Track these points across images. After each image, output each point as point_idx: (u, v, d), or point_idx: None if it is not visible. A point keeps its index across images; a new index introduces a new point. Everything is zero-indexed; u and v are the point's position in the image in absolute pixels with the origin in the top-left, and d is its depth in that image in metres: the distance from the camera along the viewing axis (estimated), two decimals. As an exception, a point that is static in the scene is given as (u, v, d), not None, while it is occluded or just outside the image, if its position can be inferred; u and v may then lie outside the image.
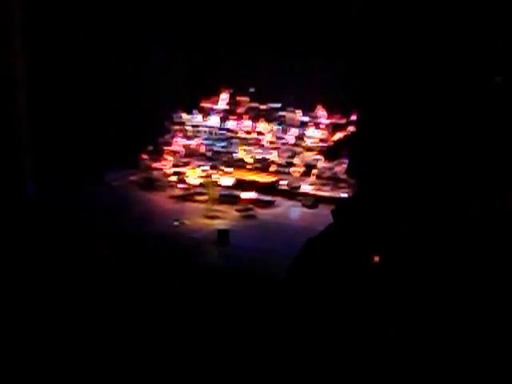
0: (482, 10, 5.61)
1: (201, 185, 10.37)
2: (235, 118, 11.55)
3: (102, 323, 5.82)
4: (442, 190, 5.46)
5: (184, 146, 11.43)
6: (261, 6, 9.82)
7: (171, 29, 10.78)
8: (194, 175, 10.62)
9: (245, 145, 11.25)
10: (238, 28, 10.29)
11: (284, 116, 11.31)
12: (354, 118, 10.02)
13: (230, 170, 10.73)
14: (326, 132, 10.94)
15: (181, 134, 11.59)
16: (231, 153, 11.21)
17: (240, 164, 11.02)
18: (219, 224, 8.97)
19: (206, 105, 11.74)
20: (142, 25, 10.57)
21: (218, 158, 11.15)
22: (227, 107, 11.65)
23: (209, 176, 10.34)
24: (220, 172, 10.63)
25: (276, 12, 9.81)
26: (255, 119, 11.43)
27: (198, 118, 11.69)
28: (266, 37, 10.10)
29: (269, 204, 9.99)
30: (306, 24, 9.73)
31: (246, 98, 11.51)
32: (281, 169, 10.81)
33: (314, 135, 10.96)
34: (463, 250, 5.08)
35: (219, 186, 10.16)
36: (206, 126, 11.60)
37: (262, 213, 9.64)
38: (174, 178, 10.76)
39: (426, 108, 5.86)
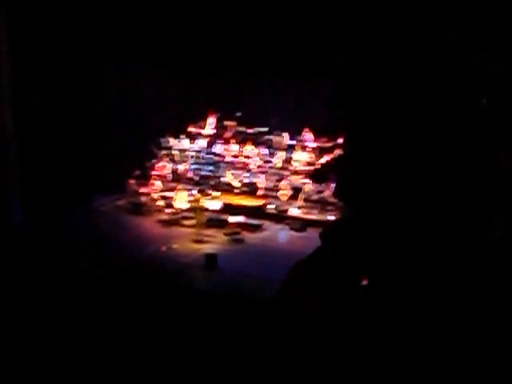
0: (466, 39, 5.69)
1: (188, 209, 10.34)
2: (222, 142, 11.54)
3: (89, 347, 5.76)
4: (430, 211, 5.48)
5: (171, 171, 11.40)
6: (247, 30, 9.87)
7: (158, 54, 10.81)
8: (181, 199, 10.59)
9: (232, 169, 11.23)
10: (224, 52, 10.34)
11: (271, 140, 11.31)
12: (340, 140, 10.04)
13: (218, 194, 10.70)
14: (313, 155, 10.94)
15: (168, 159, 11.56)
16: (219, 177, 11.19)
17: (227, 188, 11.00)
18: (207, 248, 8.94)
19: (193, 129, 11.73)
20: (128, 51, 10.59)
21: (206, 182, 11.12)
22: (214, 131, 11.65)
23: (196, 200, 10.31)
24: (207, 196, 10.60)
25: (262, 36, 9.86)
26: (242, 143, 11.43)
27: (185, 142, 11.67)
28: (252, 60, 10.15)
29: (256, 228, 9.97)
30: (292, 47, 9.78)
31: (233, 123, 11.52)
32: (268, 192, 10.79)
33: (301, 158, 10.97)
34: (451, 272, 5.08)
35: (207, 210, 10.13)
36: (194, 151, 11.59)
37: (249, 236, 9.62)
38: (161, 203, 10.73)
39: (412, 131, 5.90)
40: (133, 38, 10.47)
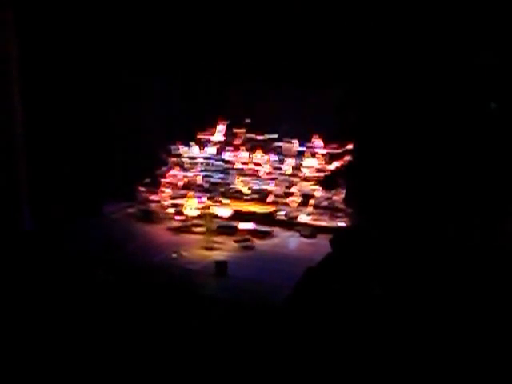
0: (476, 45, 5.70)
1: (198, 216, 10.37)
2: (232, 149, 11.56)
3: (100, 350, 5.78)
4: (439, 217, 5.49)
5: (181, 178, 11.42)
6: (258, 37, 9.90)
7: (168, 63, 10.87)
8: (191, 207, 10.62)
9: (242, 176, 11.24)
10: (234, 60, 10.37)
11: (281, 146, 11.32)
12: (350, 147, 10.05)
13: (228, 201, 10.71)
14: (322, 162, 10.93)
15: (178, 166, 11.60)
16: (228, 184, 11.20)
17: (237, 195, 11.01)
18: (217, 255, 8.96)
19: (202, 136, 11.76)
20: (139, 61, 10.66)
21: (216, 190, 11.14)
22: (224, 139, 11.67)
23: (207, 207, 10.32)
24: (217, 203, 10.61)
25: (272, 43, 9.89)
26: (252, 150, 11.44)
27: (195, 149, 11.70)
28: (262, 68, 10.18)
29: (266, 234, 9.98)
30: (303, 55, 9.80)
31: (243, 130, 11.53)
32: (278, 199, 10.80)
33: (310, 165, 10.96)
34: (457, 276, 5.10)
35: (217, 217, 10.15)
36: (203, 158, 11.61)
37: (259, 243, 9.63)
38: (171, 210, 10.76)
39: (421, 137, 5.90)
40: (145, 47, 10.55)
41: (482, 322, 4.83)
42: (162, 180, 11.39)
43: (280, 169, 11.18)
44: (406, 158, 5.80)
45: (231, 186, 11.17)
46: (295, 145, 11.23)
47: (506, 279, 5.07)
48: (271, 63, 10.06)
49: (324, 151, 10.98)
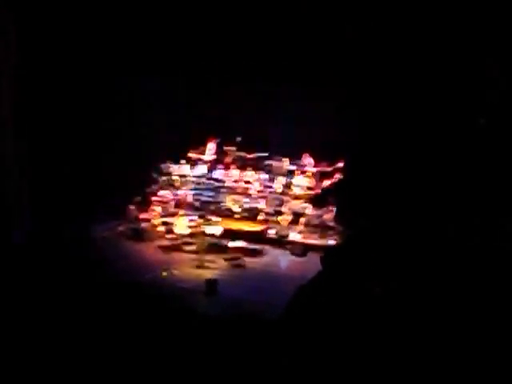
0: (471, 58, 5.75)
1: (189, 235, 10.34)
2: (223, 167, 11.57)
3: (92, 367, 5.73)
4: (428, 235, 5.50)
5: (172, 197, 11.40)
6: (249, 49, 9.96)
7: (161, 79, 10.92)
8: (181, 225, 10.59)
9: (232, 194, 11.24)
10: (223, 74, 10.43)
11: (271, 165, 11.34)
12: (340, 165, 10.08)
13: (218, 219, 10.68)
14: (313, 180, 10.96)
15: (168, 185, 11.58)
16: (219, 202, 11.19)
17: (228, 213, 11.00)
18: (207, 273, 8.92)
19: (193, 155, 11.76)
20: (131, 76, 10.69)
21: (206, 208, 11.12)
22: (214, 157, 11.68)
23: (198, 226, 10.29)
24: (208, 222, 10.58)
25: (266, 53, 9.95)
26: (242, 168, 11.46)
27: (185, 168, 11.69)
28: (253, 81, 10.24)
29: (257, 253, 9.96)
30: (294, 69, 9.87)
31: (233, 148, 11.55)
32: (269, 217, 10.79)
33: (301, 183, 10.98)
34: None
35: (207, 235, 10.12)
36: (194, 176, 11.61)
37: (250, 261, 9.61)
38: (161, 229, 10.73)
39: (412, 153, 5.92)
40: (140, 59, 10.58)
41: (482, 322, 4.84)
42: (153, 198, 11.37)
43: (270, 187, 11.20)
44: (402, 175, 5.82)
45: (222, 204, 11.16)
46: (285, 163, 11.26)
47: (506, 279, 5.08)
48: (264, 78, 10.12)
49: (314, 169, 11.02)
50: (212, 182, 11.50)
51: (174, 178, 11.64)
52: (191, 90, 11.54)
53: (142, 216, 11.05)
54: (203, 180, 11.55)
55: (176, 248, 10.10)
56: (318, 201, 10.62)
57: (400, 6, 6.20)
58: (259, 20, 9.69)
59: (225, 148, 11.62)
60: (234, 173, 11.45)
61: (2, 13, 9.24)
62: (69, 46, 9.98)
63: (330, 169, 10.73)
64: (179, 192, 11.47)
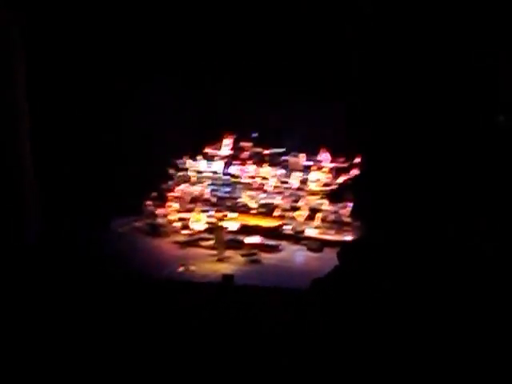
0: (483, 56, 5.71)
1: (205, 230, 10.37)
2: (239, 163, 11.57)
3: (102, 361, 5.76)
4: (442, 228, 5.48)
5: (188, 192, 11.43)
6: (264, 50, 9.95)
7: (175, 77, 10.92)
8: (197, 221, 10.62)
9: (249, 190, 11.24)
10: (239, 73, 10.41)
11: (287, 160, 11.32)
12: (357, 160, 10.03)
13: (235, 215, 10.69)
14: (329, 175, 10.93)
15: (184, 181, 11.61)
16: (235, 198, 11.20)
17: (244, 209, 11.00)
18: (224, 269, 8.93)
19: (209, 151, 11.77)
20: (145, 74, 10.71)
21: (222, 204, 11.13)
22: (231, 152, 11.68)
23: (218, 220, 10.28)
24: (224, 217, 10.59)
25: (278, 56, 9.93)
26: (259, 164, 11.45)
27: (201, 163, 11.71)
28: (269, 81, 10.21)
29: (273, 248, 9.96)
30: (308, 68, 9.84)
31: (250, 144, 11.55)
32: (285, 213, 10.78)
33: (317, 179, 10.96)
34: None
35: (224, 231, 10.12)
36: (210, 172, 11.62)
37: (266, 257, 9.61)
38: (178, 224, 10.76)
39: (428, 149, 5.89)
40: (149, 63, 10.60)
41: (483, 322, 4.82)
42: (169, 194, 11.41)
43: (287, 183, 11.19)
44: (417, 169, 5.80)
45: (238, 200, 11.17)
46: (302, 159, 11.24)
47: (506, 280, 5.07)
48: (280, 76, 10.09)
49: (331, 165, 10.99)
50: (228, 177, 11.51)
51: (190, 173, 11.66)
52: (205, 88, 11.53)
53: (159, 212, 11.10)
54: (219, 176, 11.56)
55: (192, 243, 10.13)
56: (334, 196, 10.61)
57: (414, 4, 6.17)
58: (271, 23, 9.68)
59: (241, 144, 11.62)
60: (251, 168, 11.44)
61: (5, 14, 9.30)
62: (81, 47, 10.02)
63: (346, 164, 10.70)
64: (195, 188, 11.49)
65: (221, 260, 9.31)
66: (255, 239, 10.02)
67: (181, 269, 8.93)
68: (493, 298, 4.99)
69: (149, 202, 11.16)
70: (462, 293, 5.04)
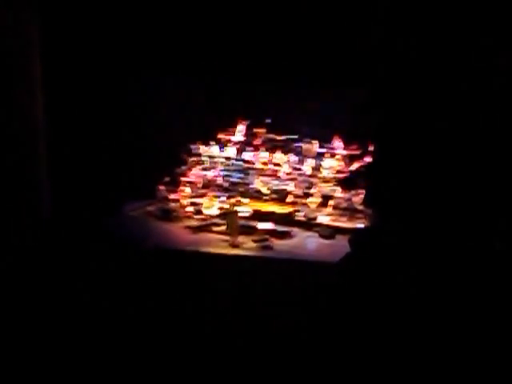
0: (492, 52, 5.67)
1: (218, 216, 10.39)
2: (252, 149, 11.57)
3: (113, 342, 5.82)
4: (455, 218, 5.46)
5: (201, 177, 11.45)
6: (278, 37, 9.89)
7: (188, 63, 10.90)
8: (210, 206, 10.65)
9: (261, 176, 11.25)
10: (253, 59, 10.37)
11: (301, 147, 11.32)
12: (370, 148, 10.00)
13: (247, 200, 10.70)
14: (342, 162, 10.92)
15: (197, 165, 11.64)
16: (248, 184, 11.21)
17: (257, 195, 11.02)
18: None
19: (222, 136, 11.79)
20: (158, 60, 10.69)
21: (235, 189, 11.15)
22: (244, 138, 11.68)
23: (232, 205, 10.27)
24: (237, 203, 10.60)
25: (292, 43, 9.88)
26: (272, 150, 11.45)
27: (214, 149, 11.73)
28: (283, 68, 10.16)
29: (285, 235, 9.97)
30: (323, 55, 9.78)
31: (263, 130, 11.55)
32: (297, 199, 10.79)
33: (330, 166, 10.95)
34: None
35: (236, 216, 10.13)
36: (223, 158, 11.63)
37: (278, 243, 9.62)
38: (190, 209, 10.79)
39: (442, 137, 5.87)
40: (162, 48, 10.57)
41: (484, 322, 4.83)
42: (182, 179, 11.44)
43: (300, 169, 11.19)
44: (431, 158, 5.77)
45: (251, 186, 11.18)
46: (315, 145, 11.23)
47: (506, 279, 5.06)
48: (291, 62, 10.04)
49: (344, 152, 10.98)
50: (241, 163, 11.52)
51: (203, 158, 11.69)
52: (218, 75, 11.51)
53: (172, 196, 11.14)
54: (232, 161, 11.57)
55: (205, 229, 10.16)
56: (347, 184, 10.60)
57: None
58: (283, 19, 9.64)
59: (254, 130, 11.62)
60: (263, 154, 11.45)
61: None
62: (95, 41, 10.02)
63: (359, 152, 10.69)
64: (208, 173, 11.52)
65: (234, 246, 9.34)
66: (267, 225, 10.03)
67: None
68: (506, 297, 4.97)
69: (162, 187, 11.20)
70: (474, 288, 5.03)
